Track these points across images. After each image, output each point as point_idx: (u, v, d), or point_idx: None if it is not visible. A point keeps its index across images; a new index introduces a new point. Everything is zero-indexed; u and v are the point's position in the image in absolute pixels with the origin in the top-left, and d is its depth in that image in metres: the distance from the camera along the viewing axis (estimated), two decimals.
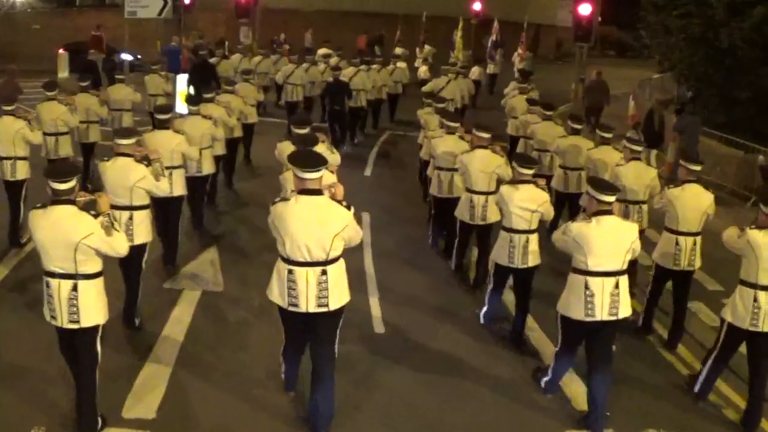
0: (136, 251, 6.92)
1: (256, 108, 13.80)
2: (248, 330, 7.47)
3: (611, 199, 5.96)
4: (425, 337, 7.58)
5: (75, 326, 5.36)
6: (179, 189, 8.56)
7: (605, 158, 9.16)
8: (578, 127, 10.22)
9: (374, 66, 17.33)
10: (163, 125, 8.56)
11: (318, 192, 5.47)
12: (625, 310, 6.04)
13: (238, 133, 12.01)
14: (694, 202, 7.51)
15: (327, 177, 6.14)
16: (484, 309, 7.79)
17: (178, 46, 20.80)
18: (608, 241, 5.93)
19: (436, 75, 17.81)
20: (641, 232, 8.54)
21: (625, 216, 8.41)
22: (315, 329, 5.65)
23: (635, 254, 6.19)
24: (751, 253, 6.15)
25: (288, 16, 30.19)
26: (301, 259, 5.43)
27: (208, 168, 9.78)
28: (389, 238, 10.24)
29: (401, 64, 19.86)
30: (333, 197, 5.54)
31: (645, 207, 8.60)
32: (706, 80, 17.43)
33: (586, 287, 5.95)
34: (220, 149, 10.83)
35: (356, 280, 8.32)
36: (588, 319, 5.97)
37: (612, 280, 5.95)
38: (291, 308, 5.54)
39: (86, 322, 5.37)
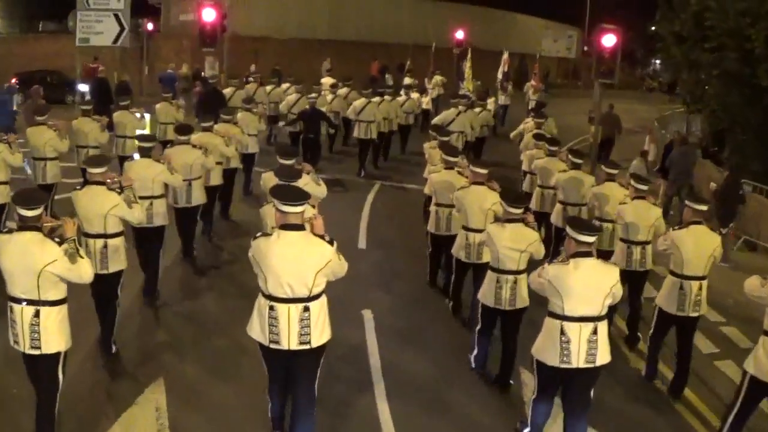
0: (111, 279, 7.14)
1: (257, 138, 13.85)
2: (238, 363, 7.40)
3: (591, 239, 5.85)
4: (416, 377, 7.47)
5: (36, 352, 5.49)
6: (160, 219, 8.63)
7: (609, 195, 9.07)
8: (579, 161, 10.15)
9: (386, 97, 17.40)
10: (145, 154, 8.64)
11: (300, 227, 5.51)
12: (603, 357, 5.91)
13: (235, 163, 12.05)
14: (700, 244, 7.38)
15: (308, 210, 6.08)
16: (474, 352, 7.65)
17: (173, 72, 20.90)
18: (586, 285, 5.80)
19: (445, 107, 17.80)
20: (645, 273, 8.50)
21: (629, 258, 8.33)
22: (296, 367, 5.65)
23: (616, 299, 6.04)
24: None
25: (259, 44, 29.47)
26: (283, 296, 5.46)
27: (198, 198, 9.82)
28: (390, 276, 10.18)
29: (414, 95, 19.88)
30: (313, 231, 5.55)
31: (649, 248, 8.47)
32: (742, 122, 16.34)
33: (562, 333, 5.83)
34: (216, 179, 10.85)
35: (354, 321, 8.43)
36: (563, 366, 5.84)
37: (590, 325, 5.83)
38: (272, 345, 5.55)
39: (47, 348, 5.49)
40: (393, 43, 32.82)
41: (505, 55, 26.44)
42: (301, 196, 5.52)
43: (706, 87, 17.41)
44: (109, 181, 7.15)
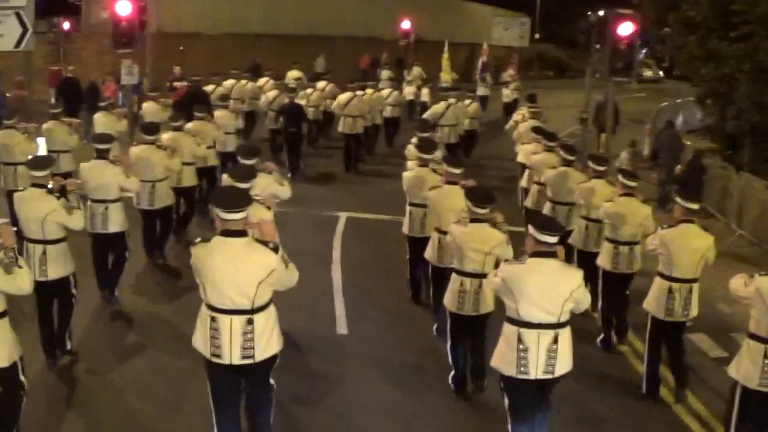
0: (56, 286, 7.00)
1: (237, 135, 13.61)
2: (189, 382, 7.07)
3: (552, 240, 5.54)
4: (394, 400, 7.15)
5: None
6: (117, 225, 8.39)
7: (596, 193, 8.71)
8: (570, 158, 9.80)
9: (368, 90, 17.21)
10: (101, 155, 8.37)
11: (242, 233, 5.27)
12: (562, 368, 5.63)
13: (212, 161, 11.87)
14: (690, 244, 7.08)
15: (260, 213, 5.80)
16: (452, 373, 7.23)
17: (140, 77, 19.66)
18: (543, 288, 5.48)
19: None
20: (632, 275, 8.13)
21: (615, 258, 7.96)
22: (243, 384, 5.46)
23: (579, 306, 5.70)
24: (760, 302, 5.72)
25: (188, 41, 26.57)
26: (224, 307, 5.23)
27: (162, 200, 9.59)
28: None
29: (408, 88, 19.65)
30: (262, 237, 5.33)
31: (638, 248, 8.17)
32: None
33: (520, 340, 5.54)
34: (189, 180, 10.62)
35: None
36: (520, 377, 5.56)
37: (550, 333, 5.54)
38: (214, 359, 5.33)
39: None
40: (336, 36, 31.32)
41: (485, 46, 26.11)
42: (242, 202, 5.29)
43: (730, 82, 15.73)
44: (50, 184, 6.94)
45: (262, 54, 25.94)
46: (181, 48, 23.86)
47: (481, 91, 24.52)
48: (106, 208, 8.22)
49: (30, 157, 10.10)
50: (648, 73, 42.00)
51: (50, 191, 6.89)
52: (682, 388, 7.30)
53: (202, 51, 26.56)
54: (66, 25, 23.49)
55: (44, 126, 11.57)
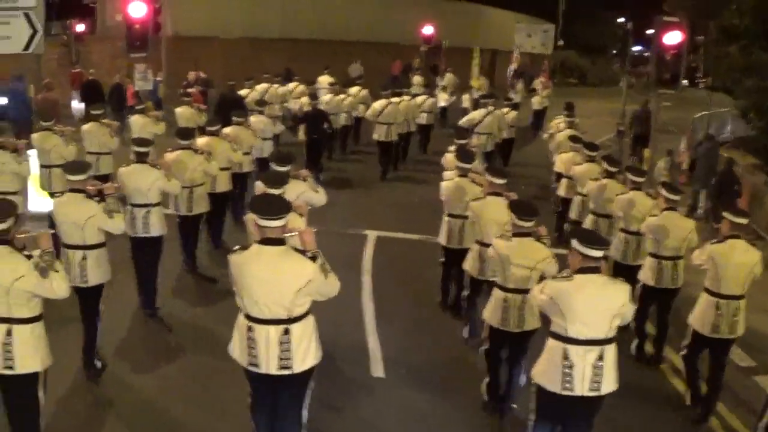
0: (92, 293, 6.96)
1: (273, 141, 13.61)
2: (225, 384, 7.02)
3: (598, 254, 5.43)
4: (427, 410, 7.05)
5: (9, 372, 5.31)
6: (156, 229, 8.34)
7: (634, 205, 8.56)
8: (613, 169, 9.61)
9: (404, 97, 17.14)
10: (140, 159, 8.32)
11: (279, 242, 5.22)
12: (608, 385, 5.51)
13: (247, 167, 11.83)
14: (738, 260, 6.95)
15: (294, 221, 5.75)
16: (486, 380, 7.13)
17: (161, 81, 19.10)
18: (592, 305, 5.37)
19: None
20: (677, 290, 7.96)
21: (659, 274, 7.81)
22: (279, 392, 5.40)
23: (625, 320, 5.65)
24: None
25: (203, 44, 26.09)
26: (261, 316, 5.19)
27: (200, 206, 9.58)
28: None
29: (443, 95, 19.61)
30: (303, 246, 5.27)
31: (681, 263, 8.01)
32: None
33: (565, 357, 5.43)
34: (224, 186, 10.59)
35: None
36: (564, 392, 5.43)
37: (595, 350, 5.42)
38: (251, 368, 5.31)
39: (21, 368, 5.33)
40: (355, 41, 30.84)
41: (516, 53, 25.90)
42: (281, 209, 5.22)
43: None
44: (89, 188, 6.90)
45: (279, 58, 25.65)
46: (196, 57, 23.25)
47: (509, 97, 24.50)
48: (148, 212, 8.16)
49: (65, 160, 10.44)
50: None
51: (89, 196, 6.84)
52: (714, 403, 7.21)
53: (218, 55, 26.23)
54: (79, 27, 23.13)
55: (83, 128, 11.58)
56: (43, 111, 11.89)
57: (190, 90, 16.91)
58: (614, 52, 55.29)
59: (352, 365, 7.72)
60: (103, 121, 11.69)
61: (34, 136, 10.46)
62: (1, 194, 8.54)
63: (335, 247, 10.72)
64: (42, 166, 10.43)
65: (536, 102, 23.65)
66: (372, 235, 12.00)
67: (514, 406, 6.90)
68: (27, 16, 13.24)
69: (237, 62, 24.84)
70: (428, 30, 27.95)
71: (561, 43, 42.35)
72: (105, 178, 10.95)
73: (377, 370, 7.73)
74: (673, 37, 13.63)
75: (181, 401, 6.88)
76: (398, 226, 12.49)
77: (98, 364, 7.22)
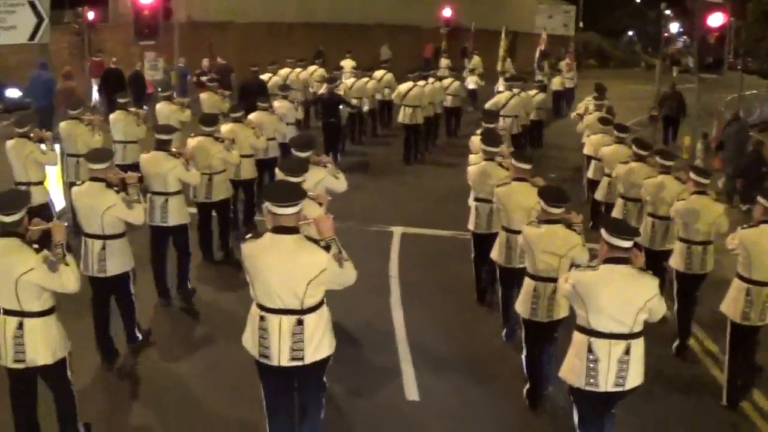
0: (114, 283, 6.99)
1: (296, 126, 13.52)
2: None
3: (626, 244, 5.22)
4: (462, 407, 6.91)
5: (21, 366, 5.33)
6: (176, 218, 8.29)
7: (664, 189, 8.36)
8: (644, 153, 9.34)
9: (430, 80, 16.97)
10: (161, 146, 8.25)
11: (293, 230, 5.09)
12: (634, 380, 5.34)
13: (273, 153, 11.74)
14: None
15: (310, 209, 5.67)
16: (527, 386, 6.91)
17: (185, 67, 19.02)
18: (617, 297, 5.17)
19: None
20: (705, 275, 7.75)
21: (689, 258, 7.62)
22: (293, 382, 5.34)
23: (654, 316, 5.37)
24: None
25: (218, 30, 25.37)
26: (273, 306, 5.09)
27: (220, 193, 9.52)
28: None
29: (471, 77, 19.47)
30: (320, 235, 5.13)
31: (710, 248, 7.84)
32: None
33: (590, 350, 5.26)
34: (248, 173, 10.54)
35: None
36: (588, 388, 5.29)
37: (621, 344, 5.23)
38: (262, 360, 5.22)
39: (31, 362, 5.34)
40: (372, 24, 30.48)
41: (544, 34, 25.48)
42: (295, 196, 5.09)
43: None
44: (111, 177, 6.84)
45: (296, 43, 25.24)
46: (211, 43, 22.55)
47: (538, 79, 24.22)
48: (166, 201, 8.12)
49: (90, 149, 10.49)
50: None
51: (110, 185, 6.78)
52: (749, 388, 7.06)
53: (233, 41, 25.72)
54: (90, 15, 22.75)
55: (111, 116, 11.62)
56: (64, 100, 11.88)
57: (203, 78, 16.72)
58: (630, 33, 54.56)
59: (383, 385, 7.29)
60: (130, 109, 11.72)
61: (62, 124, 10.49)
62: (24, 185, 8.81)
63: (358, 247, 10.42)
64: (68, 155, 10.46)
65: (557, 83, 23.38)
66: (397, 231, 11.57)
67: (550, 389, 6.77)
68: (32, 4, 12.64)
69: (254, 48, 24.41)
70: (447, 12, 27.57)
71: (582, 25, 41.81)
72: (133, 167, 11.19)
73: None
74: (715, 19, 12.92)
75: (212, 389, 6.87)
76: (425, 221, 12.16)
77: (139, 336, 7.37)
